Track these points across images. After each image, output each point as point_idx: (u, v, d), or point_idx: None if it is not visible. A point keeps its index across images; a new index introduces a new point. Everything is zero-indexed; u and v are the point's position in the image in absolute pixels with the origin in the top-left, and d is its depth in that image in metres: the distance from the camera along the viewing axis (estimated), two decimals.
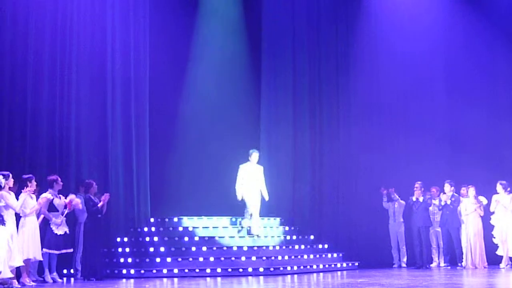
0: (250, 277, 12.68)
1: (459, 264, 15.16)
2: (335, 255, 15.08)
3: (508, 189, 14.95)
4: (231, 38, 17.05)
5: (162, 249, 13.61)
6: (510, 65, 16.58)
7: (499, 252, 15.02)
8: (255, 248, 13.85)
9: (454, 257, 15.52)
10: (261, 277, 12.68)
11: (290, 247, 14.54)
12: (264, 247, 13.96)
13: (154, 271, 13.02)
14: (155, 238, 13.95)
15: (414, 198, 15.36)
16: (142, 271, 13.01)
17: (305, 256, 14.30)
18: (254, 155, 14.52)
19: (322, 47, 17.16)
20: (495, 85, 16.83)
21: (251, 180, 14.37)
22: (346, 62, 17.29)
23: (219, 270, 13.04)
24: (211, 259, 13.27)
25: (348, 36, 17.37)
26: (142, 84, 15.21)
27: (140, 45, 15.29)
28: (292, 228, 15.56)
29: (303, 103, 16.82)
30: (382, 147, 16.80)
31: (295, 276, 13.01)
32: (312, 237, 15.65)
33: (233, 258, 13.38)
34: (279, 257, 13.72)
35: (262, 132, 16.58)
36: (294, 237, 15.16)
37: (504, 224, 14.89)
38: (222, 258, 13.34)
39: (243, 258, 13.40)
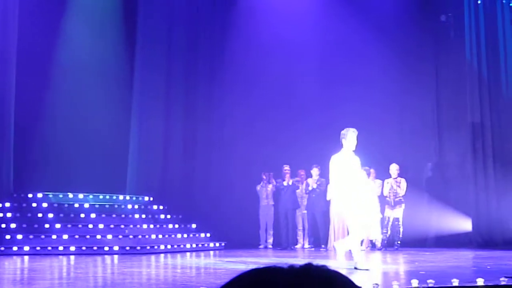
0: (115, 255, 12.48)
1: (323, 246, 15.64)
2: (203, 235, 15.14)
3: (372, 175, 15.56)
4: (106, 14, 16.52)
5: (13, 225, 13.07)
6: (381, 58, 17.09)
7: None
8: (122, 226, 13.63)
9: (318, 239, 15.98)
10: (127, 256, 12.52)
11: (158, 226, 14.43)
12: (131, 226, 13.77)
13: (2, 248, 12.45)
14: (8, 215, 13.39)
15: (285, 183, 15.64)
16: None
17: (173, 236, 14.25)
18: (351, 137, 9.65)
19: (199, 33, 17.11)
20: (367, 77, 17.30)
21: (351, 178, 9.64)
22: (222, 49, 17.32)
23: (84, 248, 12.74)
24: (76, 236, 12.93)
25: (225, 25, 17.40)
26: (9, 55, 14.41)
27: (9, 18, 14.42)
28: (162, 207, 15.45)
29: (177, 81, 16.69)
30: (253, 130, 16.97)
31: (162, 255, 12.95)
32: (180, 216, 15.61)
33: (98, 236, 13.11)
34: (147, 236, 13.59)
35: (134, 109, 16.28)
36: (163, 216, 15.06)
37: (366, 209, 15.46)
38: (88, 236, 13.03)
39: (109, 236, 13.15)
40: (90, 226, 13.38)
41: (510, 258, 11.55)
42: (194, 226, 15.38)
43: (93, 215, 13.70)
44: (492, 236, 15.56)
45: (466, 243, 15.62)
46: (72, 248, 12.67)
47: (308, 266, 1.08)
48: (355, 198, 9.59)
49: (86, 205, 13.92)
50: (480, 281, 7.47)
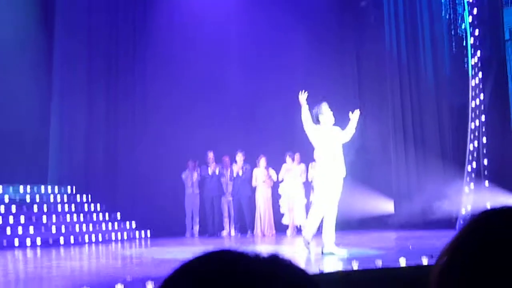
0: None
1: (249, 232, 15.70)
2: (127, 224, 14.94)
3: (296, 159, 15.67)
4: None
5: None
6: (304, 43, 17.17)
7: (284, 220, 15.73)
8: (44, 219, 13.30)
9: (244, 225, 16.01)
10: (52, 249, 12.24)
11: (82, 216, 14.16)
12: (53, 218, 13.46)
13: None
14: None
15: (210, 170, 15.57)
16: None
17: (97, 226, 14.02)
18: (326, 109, 9.76)
19: (118, 17, 16.83)
20: (290, 62, 17.38)
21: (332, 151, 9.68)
22: (143, 33, 17.07)
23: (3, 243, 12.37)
24: None
25: (146, 8, 17.19)
26: None
27: None
28: (85, 198, 15.15)
29: (99, 75, 16.32)
30: (177, 117, 16.84)
31: (87, 246, 12.73)
32: (104, 206, 15.35)
33: (20, 231, 12.76)
34: (70, 228, 13.31)
35: (54, 96, 15.84)
36: (86, 207, 14.78)
37: (291, 194, 15.59)
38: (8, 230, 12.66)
39: (31, 230, 12.82)
40: (11, 219, 12.96)
41: (430, 238, 11.87)
42: (118, 216, 15.16)
43: (13, 209, 13.26)
44: (413, 217, 15.96)
45: (388, 224, 15.96)
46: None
47: (275, 257, 1.03)
48: (331, 174, 9.53)
49: (6, 199, 13.47)
50: (402, 261, 7.65)
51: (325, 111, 9.64)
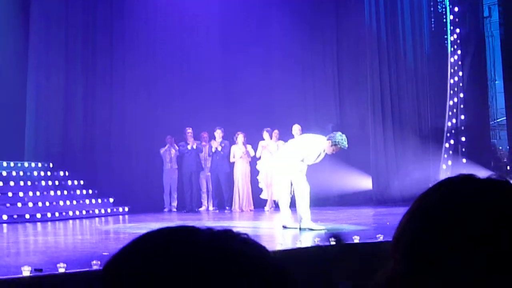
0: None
1: (227, 208, 15.69)
2: (105, 200, 14.86)
3: (274, 136, 15.67)
4: None
5: None
6: (282, 20, 17.12)
7: (263, 196, 15.74)
8: (21, 194, 13.20)
9: (222, 201, 16.00)
10: (29, 225, 12.15)
11: (59, 192, 14.07)
12: (30, 193, 13.35)
13: None
14: None
15: (189, 146, 15.51)
16: None
17: (74, 202, 13.92)
18: (336, 148, 9.76)
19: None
20: (269, 39, 17.32)
21: None
22: (122, 9, 16.88)
23: None
24: None
25: None
26: None
27: None
28: (62, 173, 15.04)
29: (76, 50, 16.10)
30: (156, 93, 16.73)
31: (64, 222, 12.65)
32: (82, 182, 15.25)
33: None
34: (47, 203, 13.21)
35: (30, 77, 15.61)
36: (63, 183, 14.68)
37: (269, 169, 15.59)
38: None
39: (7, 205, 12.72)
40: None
41: None
42: (96, 191, 15.07)
43: None
44: (391, 194, 16.06)
45: (366, 201, 16.04)
46: None
47: (228, 232, 1.02)
48: (297, 175, 9.73)
49: None
50: (380, 237, 7.68)
51: (335, 148, 9.64)
